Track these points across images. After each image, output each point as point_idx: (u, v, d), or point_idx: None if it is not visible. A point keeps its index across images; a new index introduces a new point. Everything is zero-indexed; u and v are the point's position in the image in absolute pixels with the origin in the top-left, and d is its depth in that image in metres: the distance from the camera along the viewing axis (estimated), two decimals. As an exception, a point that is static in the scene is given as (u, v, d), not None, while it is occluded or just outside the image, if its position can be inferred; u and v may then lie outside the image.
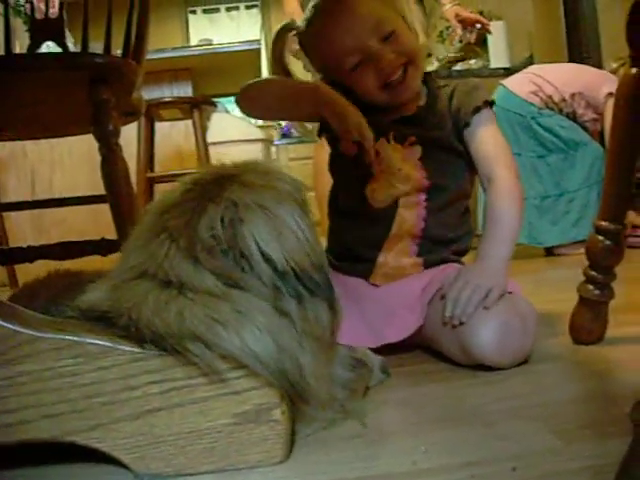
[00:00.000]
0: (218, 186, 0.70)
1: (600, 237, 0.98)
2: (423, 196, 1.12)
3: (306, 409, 0.70)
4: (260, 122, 4.17)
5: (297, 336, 0.66)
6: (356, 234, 1.16)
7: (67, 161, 3.49)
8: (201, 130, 3.07)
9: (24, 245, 1.35)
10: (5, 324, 0.64)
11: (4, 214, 3.34)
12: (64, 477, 0.68)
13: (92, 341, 0.65)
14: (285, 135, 5.38)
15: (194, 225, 0.67)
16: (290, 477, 0.64)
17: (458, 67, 3.96)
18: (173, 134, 3.64)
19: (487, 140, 1.12)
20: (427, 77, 1.21)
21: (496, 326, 0.90)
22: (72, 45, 2.82)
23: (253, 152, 3.95)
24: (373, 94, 1.11)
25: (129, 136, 3.13)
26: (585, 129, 2.54)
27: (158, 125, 3.30)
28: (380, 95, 1.10)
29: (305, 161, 3.02)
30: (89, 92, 1.28)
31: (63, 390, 0.65)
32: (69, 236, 3.34)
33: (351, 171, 1.16)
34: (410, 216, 1.12)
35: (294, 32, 1.16)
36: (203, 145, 3.08)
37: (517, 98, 2.53)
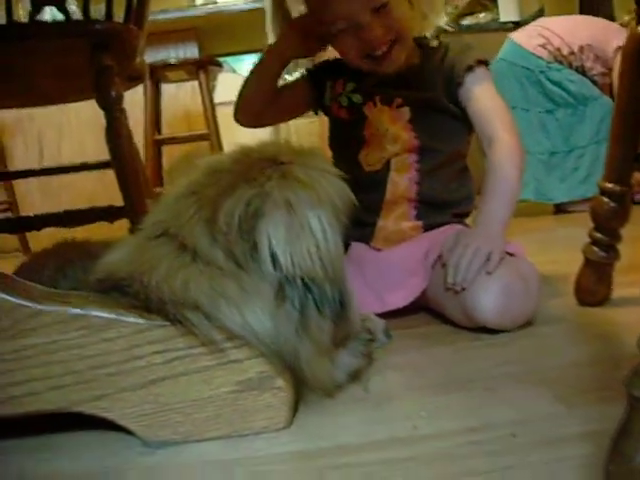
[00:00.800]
0: (262, 168, 0.69)
1: (605, 199, 0.97)
2: (414, 157, 1.12)
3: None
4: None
5: (296, 330, 0.67)
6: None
7: (74, 125, 3.48)
8: (207, 91, 3.04)
9: (31, 213, 1.35)
10: (9, 297, 0.65)
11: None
12: (73, 445, 0.70)
13: (96, 313, 0.66)
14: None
15: (221, 201, 0.67)
16: (294, 442, 0.65)
17: (467, 21, 3.88)
18: (180, 95, 3.62)
19: (484, 100, 1.09)
20: (420, 39, 1.18)
21: (497, 290, 0.90)
22: (75, 8, 2.78)
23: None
24: (353, 61, 1.09)
25: (135, 99, 3.11)
26: (594, 83, 2.50)
27: (164, 87, 3.28)
28: (361, 63, 1.09)
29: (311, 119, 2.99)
30: (91, 59, 1.26)
31: (69, 362, 0.66)
32: (78, 200, 3.38)
33: (345, 138, 1.17)
34: (402, 179, 1.13)
35: None
36: (210, 106, 3.06)
37: (525, 52, 2.48)
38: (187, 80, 3.19)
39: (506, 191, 1.03)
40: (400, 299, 1.02)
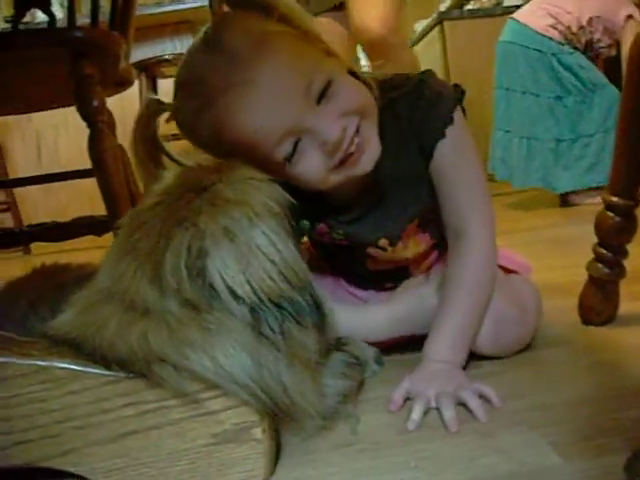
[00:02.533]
0: (186, 202, 0.64)
1: (610, 213, 0.91)
2: (434, 251, 0.99)
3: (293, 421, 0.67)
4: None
5: (278, 354, 0.62)
6: (356, 282, 1.04)
7: (71, 123, 3.44)
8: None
9: (17, 229, 1.32)
10: (-35, 350, 0.61)
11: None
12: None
13: (60, 365, 0.62)
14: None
15: (160, 251, 0.62)
16: (272, 499, 0.61)
17: (470, 6, 3.80)
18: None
19: (455, 180, 0.85)
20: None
21: (490, 318, 0.85)
22: (60, 9, 2.73)
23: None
24: (325, 181, 0.79)
25: (133, 93, 3.06)
26: (597, 57, 2.45)
27: (161, 82, 3.23)
28: (330, 181, 0.79)
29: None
30: (71, 68, 1.22)
31: (33, 416, 0.62)
32: (79, 198, 3.35)
33: (341, 255, 0.99)
34: (423, 268, 1.00)
35: (168, 115, 0.81)
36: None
37: (535, 33, 2.42)
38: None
39: (472, 308, 0.84)
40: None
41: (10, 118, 3.37)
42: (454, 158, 0.85)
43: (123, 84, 1.50)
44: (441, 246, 0.96)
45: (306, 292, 0.64)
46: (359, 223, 0.91)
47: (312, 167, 0.77)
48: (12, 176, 3.42)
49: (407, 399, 0.77)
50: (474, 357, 0.86)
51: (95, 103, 1.24)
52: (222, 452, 0.63)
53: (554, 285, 1.19)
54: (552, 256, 1.55)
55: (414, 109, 0.84)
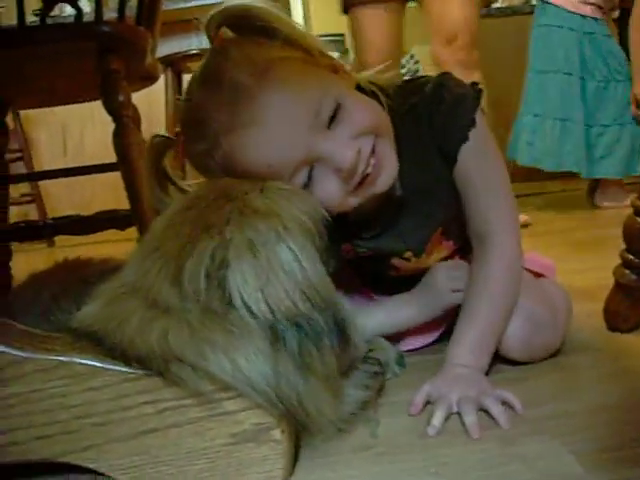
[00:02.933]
0: (216, 209, 0.64)
1: (638, 218, 0.89)
2: (456, 256, 0.98)
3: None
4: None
5: (298, 369, 0.61)
6: (378, 287, 1.02)
7: (97, 116, 3.45)
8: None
9: (41, 222, 1.33)
10: (-11, 345, 0.61)
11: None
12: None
13: (81, 361, 0.62)
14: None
15: (185, 255, 0.62)
16: (290, 501, 0.61)
17: (498, 4, 3.76)
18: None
19: (479, 183, 0.83)
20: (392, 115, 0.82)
21: (522, 322, 0.83)
22: (87, 3, 2.75)
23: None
24: (343, 204, 0.77)
25: (159, 88, 3.08)
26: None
27: (187, 77, 3.23)
28: (354, 200, 0.77)
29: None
30: (97, 63, 1.22)
31: (53, 412, 0.62)
32: (103, 189, 3.37)
33: (364, 264, 0.98)
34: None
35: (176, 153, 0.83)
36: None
37: (566, 12, 2.41)
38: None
39: (496, 313, 0.82)
40: (419, 340, 0.97)
41: (36, 111, 3.40)
42: (478, 161, 0.84)
43: (149, 79, 1.51)
44: (465, 250, 0.94)
45: (328, 313, 0.62)
46: (382, 237, 0.90)
47: (329, 193, 0.75)
48: (37, 168, 3.45)
49: (428, 403, 0.76)
50: (498, 361, 0.85)
51: (121, 98, 1.24)
52: (241, 452, 0.62)
53: (580, 289, 1.16)
54: (578, 259, 1.53)
55: (435, 114, 0.82)
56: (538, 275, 0.95)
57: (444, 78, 0.85)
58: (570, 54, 2.42)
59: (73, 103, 1.58)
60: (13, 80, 1.34)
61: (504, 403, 0.72)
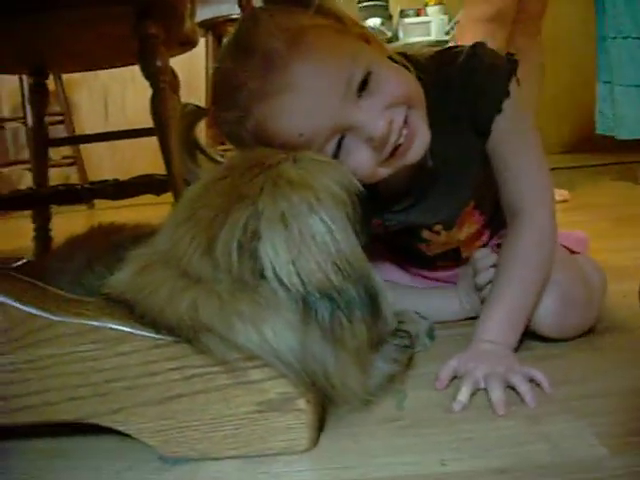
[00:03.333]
0: (250, 179, 0.64)
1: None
2: (485, 231, 0.97)
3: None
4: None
5: (325, 340, 0.61)
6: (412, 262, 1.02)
7: (139, 79, 3.46)
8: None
9: (79, 186, 1.35)
10: (22, 307, 0.63)
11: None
12: (90, 453, 0.69)
13: (111, 326, 0.63)
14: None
15: (218, 225, 0.62)
16: (313, 470, 0.62)
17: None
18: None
19: (512, 156, 0.82)
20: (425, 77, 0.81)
21: (555, 298, 0.82)
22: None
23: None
24: (374, 175, 0.77)
25: (200, 53, 3.07)
26: None
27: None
28: (384, 170, 0.77)
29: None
30: (134, 27, 1.22)
31: (85, 374, 0.64)
32: (144, 153, 3.40)
33: (394, 236, 0.97)
34: (476, 243, 0.97)
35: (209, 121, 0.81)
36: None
37: None
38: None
39: (527, 289, 0.80)
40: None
41: (78, 74, 3.44)
42: (511, 134, 0.82)
43: (188, 44, 1.51)
44: (494, 224, 0.93)
45: (360, 284, 0.62)
46: (413, 210, 0.89)
47: (360, 163, 0.74)
48: (79, 131, 3.50)
49: (455, 378, 0.76)
50: (528, 337, 0.84)
51: (158, 63, 1.24)
52: (266, 420, 0.63)
53: (618, 267, 1.14)
54: (618, 236, 1.49)
55: (468, 84, 0.81)
56: (573, 252, 0.93)
57: (477, 48, 0.83)
58: (638, 19, 2.31)
59: (112, 67, 1.59)
60: (51, 44, 1.35)
61: (532, 381, 0.72)
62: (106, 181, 1.44)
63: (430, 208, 0.88)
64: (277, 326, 0.61)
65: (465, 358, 0.77)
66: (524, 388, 0.69)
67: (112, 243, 0.87)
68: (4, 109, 3.45)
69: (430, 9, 3.44)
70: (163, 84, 1.24)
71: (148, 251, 0.69)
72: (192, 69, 3.33)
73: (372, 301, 0.64)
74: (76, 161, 3.52)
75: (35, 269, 0.90)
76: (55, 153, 3.27)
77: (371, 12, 3.40)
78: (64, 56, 1.45)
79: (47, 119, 3.47)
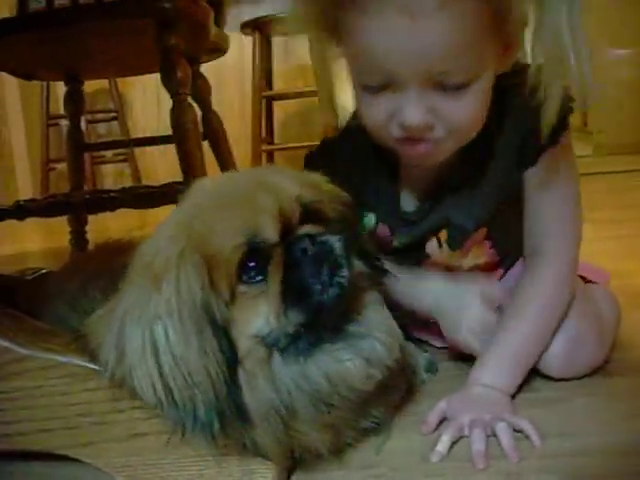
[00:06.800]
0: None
1: None
2: (497, 269, 0.91)
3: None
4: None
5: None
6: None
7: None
8: (317, 45, 2.94)
9: (105, 195, 1.36)
10: (-4, 340, 0.64)
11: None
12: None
13: (78, 362, 0.63)
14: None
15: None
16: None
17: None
18: (298, 46, 3.50)
19: (549, 193, 0.78)
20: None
21: (564, 339, 0.78)
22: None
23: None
24: (380, 137, 0.75)
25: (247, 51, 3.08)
26: None
27: (279, 40, 3.22)
28: (388, 140, 0.75)
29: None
30: (156, 39, 1.22)
31: (54, 407, 0.64)
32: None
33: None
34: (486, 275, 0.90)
35: None
36: (319, 61, 2.96)
37: None
38: (301, 32, 3.11)
39: (534, 335, 0.77)
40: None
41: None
42: (555, 171, 0.78)
43: (216, 51, 1.50)
44: (507, 263, 0.89)
45: (208, 401, 0.56)
46: (425, 220, 0.85)
47: (377, 114, 0.71)
48: (132, 128, 3.58)
49: (445, 419, 0.73)
50: (533, 372, 0.80)
51: (179, 74, 1.24)
52: (230, 463, 0.62)
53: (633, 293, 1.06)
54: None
55: (525, 106, 0.72)
56: (587, 281, 0.88)
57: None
58: None
59: (136, 75, 1.61)
60: (81, 54, 1.38)
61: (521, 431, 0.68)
62: (135, 188, 1.46)
63: (442, 215, 0.84)
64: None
65: (454, 401, 0.73)
66: (506, 442, 0.65)
67: (112, 266, 0.87)
68: (59, 106, 3.55)
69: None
70: (183, 96, 1.24)
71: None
72: (243, 68, 3.36)
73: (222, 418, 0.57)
74: (127, 158, 3.60)
75: (41, 286, 0.92)
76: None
77: None
78: (94, 64, 1.48)
79: (101, 116, 3.58)
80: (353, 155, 0.86)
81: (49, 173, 3.59)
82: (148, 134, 3.48)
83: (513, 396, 0.76)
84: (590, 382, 0.80)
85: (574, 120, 0.77)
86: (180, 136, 1.25)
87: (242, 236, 0.59)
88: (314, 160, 0.90)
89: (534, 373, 0.80)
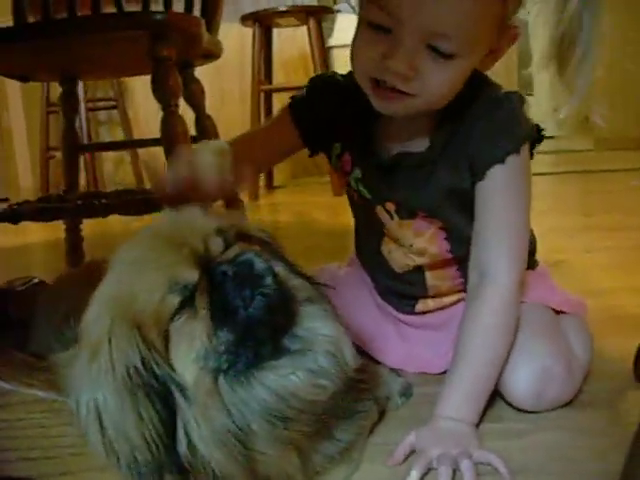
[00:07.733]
0: None
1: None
2: (453, 266, 0.93)
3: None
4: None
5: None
6: (384, 285, 1.01)
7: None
8: (317, 38, 2.94)
9: (96, 201, 1.39)
10: (-19, 376, 0.67)
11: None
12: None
13: (56, 398, 0.66)
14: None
15: None
16: None
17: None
18: (297, 37, 3.48)
19: (494, 213, 0.81)
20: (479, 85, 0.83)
21: (532, 372, 0.80)
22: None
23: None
24: (362, 72, 0.80)
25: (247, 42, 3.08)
26: None
27: (279, 31, 3.21)
28: (367, 85, 0.80)
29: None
30: (148, 50, 1.25)
31: (35, 438, 0.67)
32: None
33: (361, 219, 1.00)
34: (444, 280, 0.94)
35: None
36: (319, 54, 2.96)
37: None
38: (299, 25, 3.10)
39: (487, 360, 0.79)
40: (442, 364, 0.92)
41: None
42: (504, 189, 0.81)
43: (209, 57, 1.52)
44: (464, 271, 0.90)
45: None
46: (377, 180, 0.90)
47: (370, 54, 0.76)
48: (133, 115, 3.58)
49: (413, 451, 0.75)
50: (500, 403, 0.83)
51: (170, 83, 1.27)
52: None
53: (615, 316, 1.08)
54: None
55: (488, 117, 0.81)
56: (558, 312, 0.90)
57: (515, 96, 0.82)
58: None
59: (131, 76, 1.65)
60: (80, 60, 1.41)
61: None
62: (126, 192, 1.48)
63: (389, 186, 0.88)
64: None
65: (423, 435, 0.75)
66: (469, 478, 0.68)
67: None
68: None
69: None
70: (174, 107, 1.27)
71: None
72: (243, 60, 3.35)
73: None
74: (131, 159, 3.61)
75: (31, 299, 0.94)
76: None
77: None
78: (91, 68, 1.51)
79: (102, 104, 3.58)
80: (338, 99, 0.92)
81: (49, 161, 3.61)
82: (149, 122, 3.50)
83: (478, 424, 0.78)
84: (559, 414, 0.81)
85: (576, 114, 0.82)
86: (170, 146, 1.27)
87: (163, 287, 0.60)
88: (300, 99, 0.96)
89: (500, 400, 0.83)
